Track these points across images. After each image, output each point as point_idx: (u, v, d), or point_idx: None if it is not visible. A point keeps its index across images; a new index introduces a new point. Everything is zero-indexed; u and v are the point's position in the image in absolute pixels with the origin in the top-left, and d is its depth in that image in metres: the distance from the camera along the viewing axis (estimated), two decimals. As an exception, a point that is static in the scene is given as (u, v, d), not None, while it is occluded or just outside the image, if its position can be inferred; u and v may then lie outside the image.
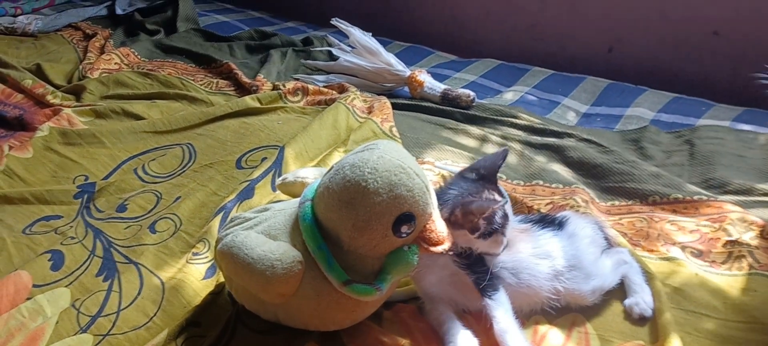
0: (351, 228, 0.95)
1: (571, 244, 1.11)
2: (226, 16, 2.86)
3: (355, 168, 0.94)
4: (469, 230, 1.01)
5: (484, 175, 1.08)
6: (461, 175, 1.11)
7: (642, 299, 1.08)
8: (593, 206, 1.38)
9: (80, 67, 2.16)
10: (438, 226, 0.98)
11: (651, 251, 1.24)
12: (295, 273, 0.95)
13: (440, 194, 1.05)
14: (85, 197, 1.50)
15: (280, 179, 1.20)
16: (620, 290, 1.12)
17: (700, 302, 1.12)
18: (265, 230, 1.03)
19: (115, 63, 2.22)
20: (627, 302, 1.09)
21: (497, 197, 1.05)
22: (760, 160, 1.54)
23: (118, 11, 2.72)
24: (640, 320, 1.07)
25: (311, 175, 1.14)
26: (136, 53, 2.32)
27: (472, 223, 1.01)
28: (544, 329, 1.06)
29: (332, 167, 1.00)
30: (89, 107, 1.85)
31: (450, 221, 1.02)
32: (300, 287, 0.97)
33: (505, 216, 1.04)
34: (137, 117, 1.83)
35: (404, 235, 0.95)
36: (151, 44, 2.40)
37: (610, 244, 1.18)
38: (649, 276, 1.13)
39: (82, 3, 2.90)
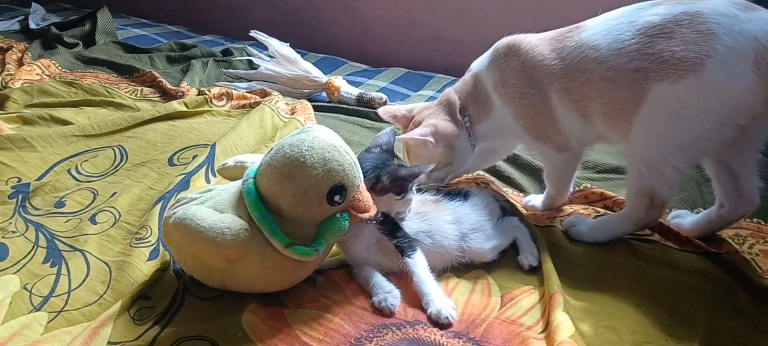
0: (291, 198, 1.10)
1: (474, 212, 1.33)
2: (143, 29, 2.93)
3: (293, 147, 1.11)
4: (396, 192, 1.20)
5: (386, 149, 1.29)
6: (368, 150, 1.31)
7: (530, 254, 1.32)
8: (492, 186, 1.61)
9: (0, 77, 2.18)
10: (365, 196, 1.16)
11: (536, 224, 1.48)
12: (242, 239, 1.09)
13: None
14: (20, 196, 1.55)
15: (221, 164, 1.34)
16: (512, 249, 1.35)
17: (571, 252, 1.36)
18: (212, 206, 1.15)
19: (37, 74, 2.25)
20: (519, 257, 1.32)
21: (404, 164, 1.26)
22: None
23: (32, 26, 2.73)
24: (530, 270, 1.29)
25: (249, 159, 1.29)
26: (57, 65, 2.36)
27: (401, 186, 1.20)
28: (454, 281, 1.26)
29: (272, 148, 1.15)
30: (16, 114, 1.89)
31: (376, 189, 1.20)
32: (246, 252, 1.11)
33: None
34: (65, 123, 1.89)
35: (337, 203, 1.12)
36: (71, 56, 2.45)
37: (504, 212, 1.40)
38: (535, 236, 1.36)
39: (-10, 18, 2.88)
